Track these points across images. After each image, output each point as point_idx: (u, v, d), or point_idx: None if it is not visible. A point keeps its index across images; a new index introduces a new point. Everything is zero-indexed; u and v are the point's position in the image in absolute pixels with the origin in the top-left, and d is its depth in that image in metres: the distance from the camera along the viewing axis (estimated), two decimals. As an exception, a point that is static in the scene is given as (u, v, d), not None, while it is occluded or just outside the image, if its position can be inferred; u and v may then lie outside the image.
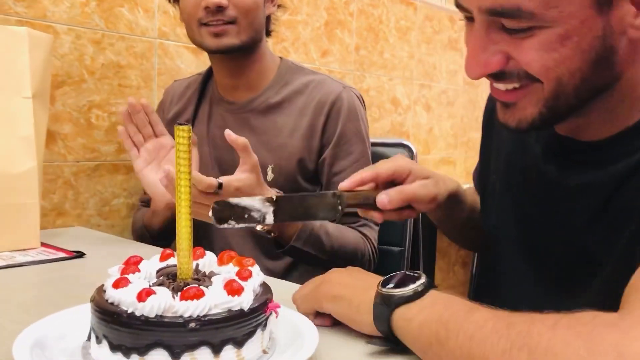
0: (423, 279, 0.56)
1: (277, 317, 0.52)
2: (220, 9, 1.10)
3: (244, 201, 0.61)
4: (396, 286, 0.56)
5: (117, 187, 1.41)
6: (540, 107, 0.61)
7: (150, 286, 0.49)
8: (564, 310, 0.49)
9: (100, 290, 0.50)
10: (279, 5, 1.25)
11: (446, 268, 2.63)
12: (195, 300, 0.45)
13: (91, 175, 1.36)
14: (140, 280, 0.51)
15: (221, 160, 1.23)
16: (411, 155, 1.42)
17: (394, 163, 0.77)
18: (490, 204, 0.84)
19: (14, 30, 1.03)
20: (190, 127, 0.49)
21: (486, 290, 0.85)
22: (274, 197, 0.63)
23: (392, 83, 2.19)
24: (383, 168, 0.76)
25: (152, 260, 0.57)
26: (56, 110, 1.29)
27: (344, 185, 0.73)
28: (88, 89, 1.34)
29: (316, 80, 1.21)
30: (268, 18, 1.22)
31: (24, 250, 1.04)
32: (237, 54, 1.16)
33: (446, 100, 2.48)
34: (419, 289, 0.55)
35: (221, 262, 0.55)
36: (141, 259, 0.55)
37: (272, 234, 1.04)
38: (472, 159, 2.24)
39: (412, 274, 0.58)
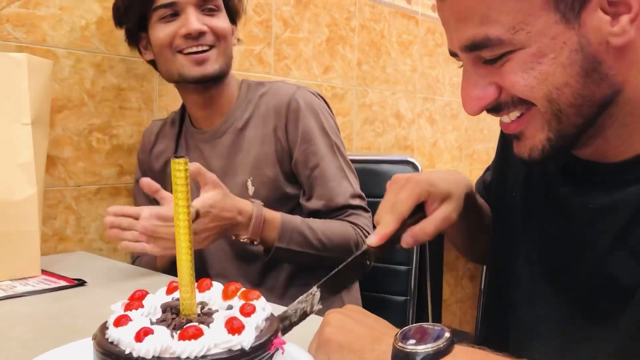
0: (447, 334, 0.52)
1: (283, 353, 0.50)
2: (200, 34, 1.13)
3: (294, 307, 0.64)
4: (418, 342, 0.52)
5: (119, 211, 1.39)
6: (547, 132, 0.62)
7: (152, 323, 0.47)
8: (590, 335, 0.46)
9: (103, 327, 0.49)
10: (237, 40, 1.28)
11: (454, 282, 2.60)
12: (193, 341, 0.43)
13: (92, 199, 1.35)
14: (141, 317, 0.49)
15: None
16: (416, 171, 1.40)
17: (412, 195, 0.75)
18: (510, 222, 0.81)
19: (13, 57, 1.03)
20: (187, 160, 0.47)
21: (497, 308, 0.83)
22: (317, 286, 0.66)
23: (395, 97, 2.18)
24: (404, 209, 0.74)
25: (158, 293, 0.55)
26: (56, 134, 1.28)
27: (372, 242, 0.72)
28: (88, 112, 1.33)
29: (272, 89, 1.23)
30: None
31: (24, 279, 1.02)
32: (212, 82, 1.18)
33: (450, 112, 2.46)
34: (444, 345, 0.51)
35: (225, 296, 0.53)
36: (146, 294, 0.53)
37: (255, 242, 1.05)
38: (478, 170, 2.22)
39: (430, 326, 0.54)
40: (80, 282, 1.00)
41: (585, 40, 0.58)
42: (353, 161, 1.38)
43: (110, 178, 1.38)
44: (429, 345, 0.50)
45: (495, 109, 0.64)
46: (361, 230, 1.16)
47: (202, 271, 1.26)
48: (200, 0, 1.13)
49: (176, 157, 0.47)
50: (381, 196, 1.40)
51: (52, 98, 1.24)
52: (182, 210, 0.47)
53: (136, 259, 1.30)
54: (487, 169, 0.98)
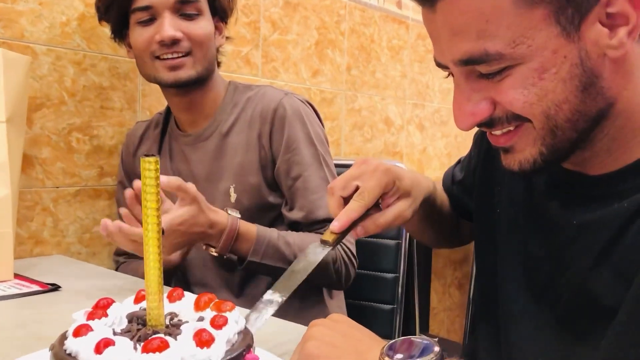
0: (437, 348, 0.49)
1: (256, 369, 0.46)
2: (175, 42, 1.09)
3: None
4: (405, 357, 0.49)
5: (98, 214, 1.35)
6: (539, 146, 0.60)
7: (115, 334, 0.43)
8: (574, 354, 0.44)
9: (62, 338, 0.45)
10: (227, 37, 1.24)
11: (442, 290, 2.57)
12: (157, 354, 0.40)
13: (71, 201, 1.30)
14: (104, 327, 0.45)
15: None
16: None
17: (380, 185, 0.75)
18: (494, 238, 0.80)
19: (-12, 52, 0.99)
20: (158, 159, 0.44)
21: (485, 321, 0.81)
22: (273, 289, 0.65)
23: (385, 103, 2.15)
24: (370, 199, 0.74)
25: (125, 302, 0.51)
26: (34, 133, 1.24)
27: (335, 228, 0.73)
28: (68, 111, 1.29)
29: (259, 93, 1.20)
30: (217, 50, 1.22)
31: (-5, 283, 0.98)
32: (192, 87, 1.14)
33: (440, 119, 2.44)
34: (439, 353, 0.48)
35: (197, 307, 0.50)
36: (112, 302, 0.49)
37: (225, 257, 1.03)
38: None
39: (419, 339, 0.51)
40: (54, 287, 0.96)
41: (584, 54, 0.56)
42: (341, 166, 1.35)
43: (90, 179, 1.34)
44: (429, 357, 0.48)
45: (488, 124, 0.62)
46: (340, 246, 1.12)
47: (183, 279, 1.23)
48: (177, 4, 1.09)
49: (146, 155, 0.44)
50: (369, 202, 1.39)
51: (30, 96, 1.20)
52: (152, 213, 0.43)
53: (120, 265, 1.26)
54: (458, 162, 0.96)
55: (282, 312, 0.77)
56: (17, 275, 1.02)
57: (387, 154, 2.17)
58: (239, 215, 1.04)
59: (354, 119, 2.03)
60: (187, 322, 0.47)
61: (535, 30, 0.55)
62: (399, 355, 0.49)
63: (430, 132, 2.39)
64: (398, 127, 2.22)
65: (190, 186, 0.95)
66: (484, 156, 0.85)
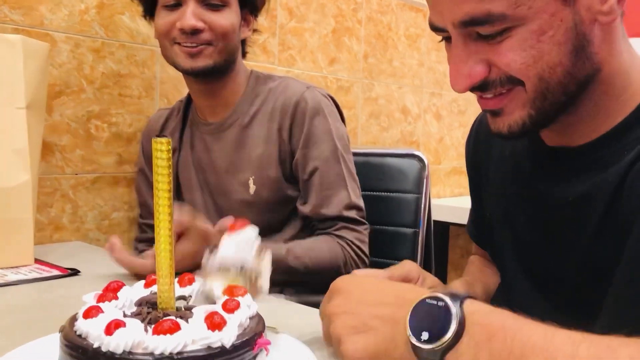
0: (453, 311, 0.47)
1: (267, 354, 0.46)
2: (195, 31, 1.09)
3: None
4: (431, 336, 0.47)
5: (117, 200, 1.37)
6: (528, 109, 0.62)
7: (125, 316, 0.44)
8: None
9: (73, 319, 0.45)
10: (254, 30, 1.24)
11: (459, 280, 2.56)
12: (168, 335, 0.40)
13: (90, 188, 1.32)
14: (114, 310, 0.45)
15: (207, 182, 1.23)
16: (422, 165, 1.37)
17: (404, 269, 0.76)
18: (498, 241, 0.81)
19: (8, 39, 1.00)
20: (170, 140, 0.44)
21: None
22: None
23: (402, 91, 2.14)
24: (395, 274, 0.75)
25: (135, 286, 0.52)
26: (53, 121, 1.25)
27: None
28: (87, 99, 1.30)
29: (281, 85, 1.19)
30: (243, 41, 1.21)
31: (16, 267, 1.00)
32: (210, 75, 1.14)
33: (457, 109, 2.42)
34: (454, 331, 0.46)
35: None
36: (122, 285, 0.50)
37: None
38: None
39: (434, 302, 0.48)
40: (74, 272, 0.98)
41: (578, 18, 0.58)
42: (358, 154, 1.35)
43: (109, 167, 1.35)
44: (441, 341, 0.46)
45: (481, 87, 0.63)
46: (350, 246, 1.13)
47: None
48: None
49: (158, 136, 0.44)
50: (386, 191, 1.39)
51: (50, 83, 1.21)
52: (163, 195, 0.44)
53: (140, 253, 1.27)
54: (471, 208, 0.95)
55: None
56: (37, 260, 1.04)
57: (403, 143, 2.16)
58: None
59: (371, 107, 2.02)
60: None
61: None
62: (425, 335, 0.47)
63: (448, 122, 2.37)
64: (415, 116, 2.21)
65: (201, 228, 0.92)
66: (473, 173, 0.87)
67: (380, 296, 0.53)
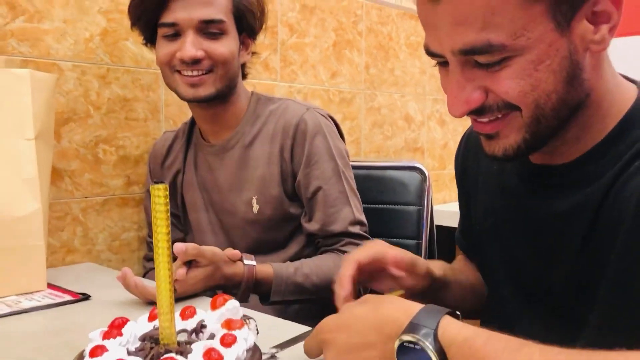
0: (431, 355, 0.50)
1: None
2: (196, 61, 1.12)
3: None
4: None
5: (126, 221, 1.40)
6: (523, 133, 0.63)
7: (129, 353, 0.46)
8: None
9: (80, 357, 0.48)
10: (253, 53, 1.26)
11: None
12: (168, 374, 0.43)
13: (100, 210, 1.36)
14: (118, 347, 0.48)
15: (212, 202, 1.26)
16: (424, 177, 1.39)
17: (370, 252, 0.77)
18: (487, 254, 0.82)
19: (17, 73, 1.03)
20: (167, 186, 0.47)
21: (485, 325, 0.83)
22: None
23: (405, 100, 2.16)
24: (361, 256, 0.76)
25: (139, 320, 0.54)
26: (62, 147, 1.29)
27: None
28: (94, 124, 1.34)
29: (281, 107, 1.22)
30: (243, 64, 1.24)
31: (30, 293, 1.03)
32: (212, 101, 1.17)
33: (462, 113, 2.43)
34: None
35: (214, 307, 0.52)
36: (126, 321, 0.52)
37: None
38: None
39: (411, 346, 0.51)
40: (85, 297, 1.01)
41: (573, 47, 0.60)
42: (359, 168, 1.37)
43: (118, 189, 1.38)
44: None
45: (478, 111, 0.64)
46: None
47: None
48: (201, 24, 1.11)
49: (155, 182, 0.47)
50: (388, 203, 1.41)
51: (58, 111, 1.25)
52: (162, 237, 0.47)
53: (148, 271, 1.31)
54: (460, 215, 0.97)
55: (301, 319, 0.79)
56: (50, 285, 1.07)
57: (407, 151, 2.18)
58: (254, 263, 1.05)
59: (374, 117, 2.04)
60: (197, 340, 0.50)
61: (535, 23, 0.58)
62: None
63: (452, 127, 2.38)
64: (418, 123, 2.22)
65: (207, 251, 0.97)
66: (460, 177, 0.90)
67: (365, 339, 0.55)
